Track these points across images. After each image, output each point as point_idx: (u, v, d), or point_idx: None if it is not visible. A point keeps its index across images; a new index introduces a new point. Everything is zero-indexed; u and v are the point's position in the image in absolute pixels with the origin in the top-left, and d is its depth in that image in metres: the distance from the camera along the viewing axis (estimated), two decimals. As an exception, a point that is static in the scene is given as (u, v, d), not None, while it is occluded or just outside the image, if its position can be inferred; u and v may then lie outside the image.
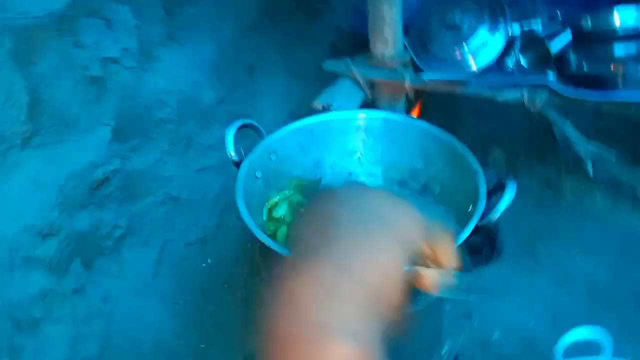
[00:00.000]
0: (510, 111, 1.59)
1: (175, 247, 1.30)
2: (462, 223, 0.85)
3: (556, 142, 1.77)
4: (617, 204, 1.50)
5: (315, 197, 0.44)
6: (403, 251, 0.39)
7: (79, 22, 1.01)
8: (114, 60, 1.08)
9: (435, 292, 0.42)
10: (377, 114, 1.08)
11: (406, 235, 0.40)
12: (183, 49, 1.32)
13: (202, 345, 1.20)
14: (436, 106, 1.91)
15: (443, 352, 1.18)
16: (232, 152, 0.96)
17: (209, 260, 1.35)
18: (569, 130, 1.17)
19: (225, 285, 1.31)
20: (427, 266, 0.42)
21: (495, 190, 0.88)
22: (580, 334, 0.93)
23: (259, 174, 0.99)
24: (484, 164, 1.86)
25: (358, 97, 1.38)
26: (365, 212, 0.39)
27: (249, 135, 1.02)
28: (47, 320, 0.98)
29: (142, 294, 1.20)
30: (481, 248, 1.26)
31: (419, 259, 0.41)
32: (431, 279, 0.41)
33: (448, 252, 0.42)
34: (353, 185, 0.43)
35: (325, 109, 1.32)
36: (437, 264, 0.42)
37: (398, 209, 0.41)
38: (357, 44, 1.50)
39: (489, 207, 0.85)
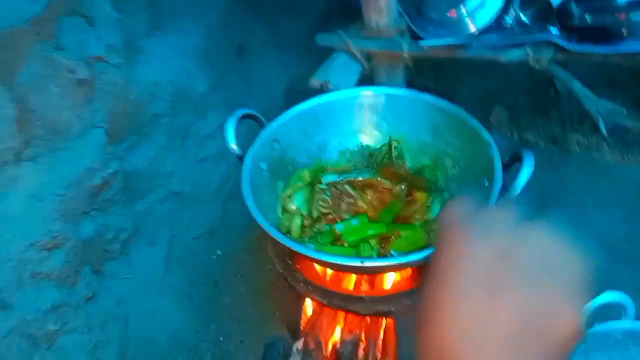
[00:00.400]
0: (509, 68, 1.54)
1: (183, 242, 1.28)
2: (480, 199, 0.83)
3: (559, 96, 1.73)
4: (626, 155, 1.48)
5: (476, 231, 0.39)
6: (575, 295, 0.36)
7: (58, 23, 0.96)
8: (100, 59, 1.03)
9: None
10: (380, 90, 1.04)
11: (575, 279, 0.36)
12: (170, 38, 1.26)
13: (220, 338, 1.20)
14: (434, 69, 1.86)
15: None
16: (233, 146, 0.93)
17: (218, 252, 1.33)
18: (578, 88, 1.12)
19: (238, 276, 1.29)
20: None
21: (511, 162, 0.85)
22: (600, 299, 0.92)
23: (263, 166, 0.95)
24: (487, 123, 1.83)
25: (356, 70, 1.33)
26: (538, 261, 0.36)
27: (245, 121, 0.98)
28: (63, 332, 0.97)
29: (155, 292, 1.19)
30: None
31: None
32: None
33: None
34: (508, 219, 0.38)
35: (323, 87, 1.27)
36: None
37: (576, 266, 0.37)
38: (349, 12, 1.44)
39: (505, 180, 0.83)
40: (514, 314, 0.34)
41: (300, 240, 0.91)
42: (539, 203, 1.39)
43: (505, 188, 0.80)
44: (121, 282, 1.13)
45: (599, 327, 0.93)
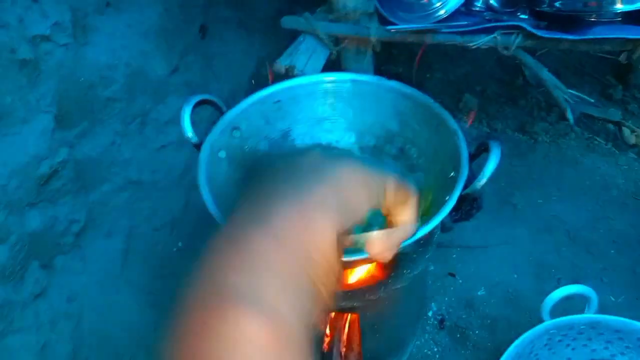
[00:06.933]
0: (479, 54, 1.52)
1: (143, 234, 1.22)
2: (445, 189, 0.80)
3: (527, 84, 1.72)
4: (593, 144, 1.48)
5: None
6: (344, 211, 0.33)
7: (-4, -3, 0.88)
8: (45, 38, 0.95)
9: (387, 258, 0.37)
10: (345, 76, 0.99)
11: (348, 192, 0.34)
12: (124, 16, 1.19)
13: (182, 334, 1.15)
14: (405, 55, 1.82)
15: (430, 314, 1.16)
16: (189, 134, 0.87)
17: (180, 244, 1.28)
18: (546, 76, 1.11)
19: (200, 268, 1.25)
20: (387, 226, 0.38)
21: (478, 152, 0.82)
22: (565, 291, 0.92)
23: (222, 154, 0.90)
24: (457, 111, 1.81)
25: (322, 54, 1.28)
26: (301, 169, 0.35)
27: (208, 108, 0.92)
28: (8, 332, 0.91)
29: (111, 287, 1.13)
30: (461, 204, 1.22)
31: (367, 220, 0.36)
32: (383, 243, 0.37)
33: (407, 211, 0.38)
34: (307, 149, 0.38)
35: (288, 72, 1.23)
36: (395, 224, 0.38)
37: (342, 165, 0.35)
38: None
39: (471, 171, 0.80)
40: (275, 237, 0.31)
41: None
42: (506, 192, 1.38)
43: (471, 179, 0.77)
44: (74, 278, 1.07)
45: (563, 319, 0.93)
